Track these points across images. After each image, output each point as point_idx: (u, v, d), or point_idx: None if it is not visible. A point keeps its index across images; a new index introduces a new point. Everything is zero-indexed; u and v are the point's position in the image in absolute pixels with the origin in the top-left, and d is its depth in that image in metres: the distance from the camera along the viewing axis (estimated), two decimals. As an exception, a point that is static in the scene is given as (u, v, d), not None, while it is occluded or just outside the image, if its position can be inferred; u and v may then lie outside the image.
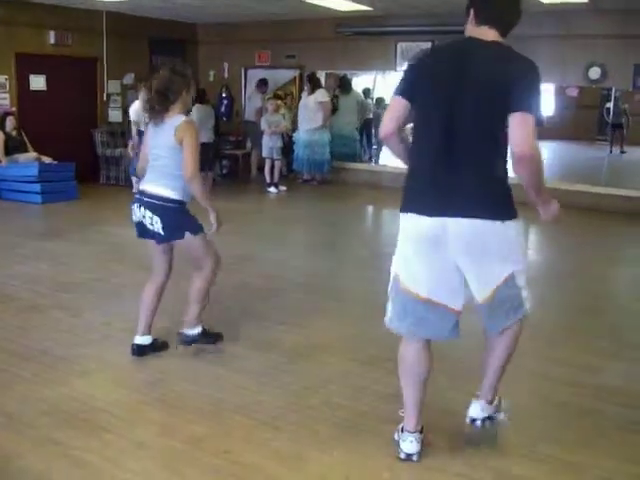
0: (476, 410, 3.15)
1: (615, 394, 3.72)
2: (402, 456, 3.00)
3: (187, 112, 3.86)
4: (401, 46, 10.90)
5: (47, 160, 9.51)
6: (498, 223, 2.73)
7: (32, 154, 9.55)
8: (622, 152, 11.41)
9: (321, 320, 4.80)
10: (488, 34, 2.73)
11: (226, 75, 12.83)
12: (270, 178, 10.80)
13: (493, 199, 2.76)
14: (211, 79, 12.72)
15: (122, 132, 10.88)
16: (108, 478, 2.84)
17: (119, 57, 11.42)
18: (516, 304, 2.90)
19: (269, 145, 10.77)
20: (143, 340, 4.05)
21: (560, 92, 11.15)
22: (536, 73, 2.65)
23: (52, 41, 10.48)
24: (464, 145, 2.70)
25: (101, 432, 3.17)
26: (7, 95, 10.21)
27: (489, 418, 3.18)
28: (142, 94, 9.86)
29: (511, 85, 2.60)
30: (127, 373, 3.88)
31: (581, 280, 6.14)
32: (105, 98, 11.51)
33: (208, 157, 9.16)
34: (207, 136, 9.58)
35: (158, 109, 3.74)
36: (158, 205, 3.76)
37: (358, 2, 9.58)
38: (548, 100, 11.38)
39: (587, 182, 9.99)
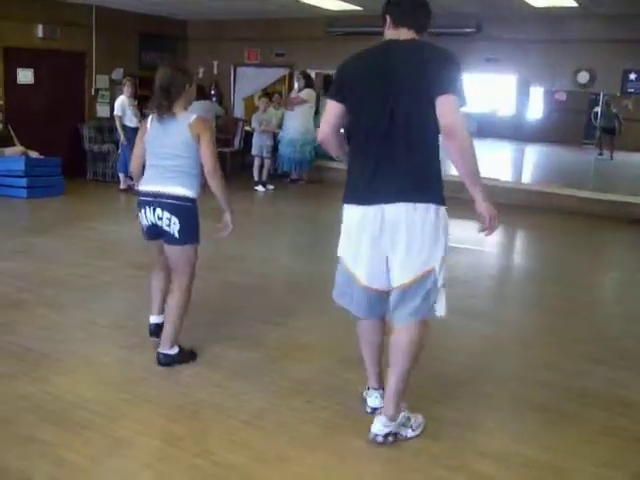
0: (377, 426, 3.06)
1: (598, 398, 3.73)
2: (368, 410, 3.29)
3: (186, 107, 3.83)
4: (390, 46, 10.92)
5: (34, 154, 9.44)
6: (429, 206, 2.88)
7: (19, 148, 9.47)
8: (611, 159, 11.34)
9: (305, 319, 4.79)
10: (406, 34, 2.98)
11: (215, 72, 12.81)
12: (258, 176, 10.78)
13: (426, 185, 2.92)
14: (200, 76, 12.67)
15: (110, 127, 10.83)
16: (88, 476, 2.83)
17: (108, 52, 11.36)
18: (429, 302, 2.96)
19: (259, 143, 10.77)
20: (158, 319, 4.12)
21: (549, 95, 11.18)
22: (452, 59, 2.88)
23: (40, 35, 10.41)
24: (397, 139, 2.88)
25: (82, 430, 3.15)
26: (-6, 88, 10.14)
27: (393, 434, 3.07)
28: (126, 88, 9.92)
29: (431, 73, 2.82)
30: (110, 371, 3.86)
31: (565, 284, 6.16)
32: (93, 93, 11.46)
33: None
34: None
35: (165, 104, 3.71)
36: (177, 205, 3.72)
37: (348, 2, 9.57)
38: (537, 103, 11.42)
39: (574, 186, 10.03)
